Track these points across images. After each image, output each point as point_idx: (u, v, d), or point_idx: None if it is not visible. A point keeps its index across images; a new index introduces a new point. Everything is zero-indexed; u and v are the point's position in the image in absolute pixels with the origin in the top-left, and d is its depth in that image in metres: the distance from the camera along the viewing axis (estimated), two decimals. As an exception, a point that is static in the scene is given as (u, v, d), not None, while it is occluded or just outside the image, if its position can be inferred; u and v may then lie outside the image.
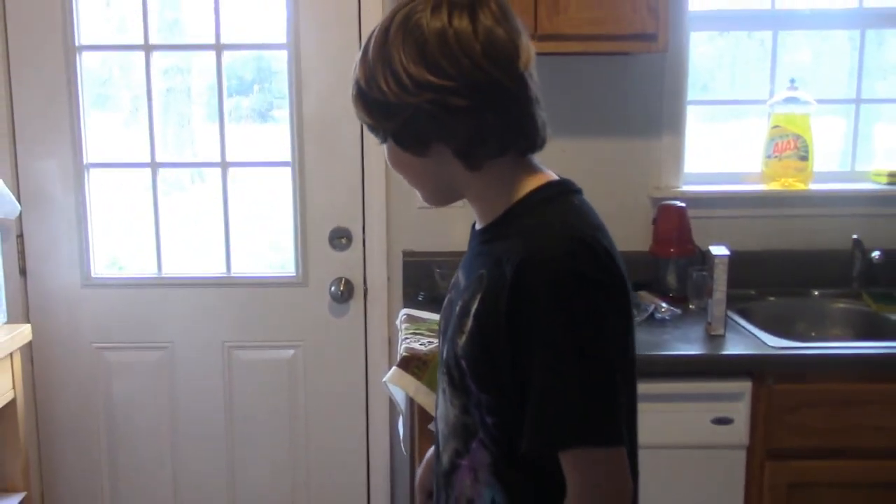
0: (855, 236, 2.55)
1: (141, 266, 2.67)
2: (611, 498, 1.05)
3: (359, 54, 1.13)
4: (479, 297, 1.11)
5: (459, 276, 1.23)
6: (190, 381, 2.67)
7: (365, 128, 1.19)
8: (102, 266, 2.66)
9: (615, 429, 1.04)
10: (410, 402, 2.15)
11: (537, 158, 1.19)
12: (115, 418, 2.68)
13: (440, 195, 1.21)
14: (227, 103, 2.59)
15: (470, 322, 1.11)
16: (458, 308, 1.16)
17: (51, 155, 2.56)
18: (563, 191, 1.17)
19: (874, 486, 2.12)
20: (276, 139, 2.63)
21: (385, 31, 1.09)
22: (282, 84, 2.60)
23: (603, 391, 1.03)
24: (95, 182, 2.62)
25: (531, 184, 1.15)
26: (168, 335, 2.65)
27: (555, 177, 1.18)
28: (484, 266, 1.13)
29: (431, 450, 1.36)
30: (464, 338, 1.12)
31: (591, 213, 1.15)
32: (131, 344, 2.65)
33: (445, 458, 1.22)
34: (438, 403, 1.25)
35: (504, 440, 1.11)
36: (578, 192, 1.18)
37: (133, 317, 2.65)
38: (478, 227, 1.22)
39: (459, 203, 1.23)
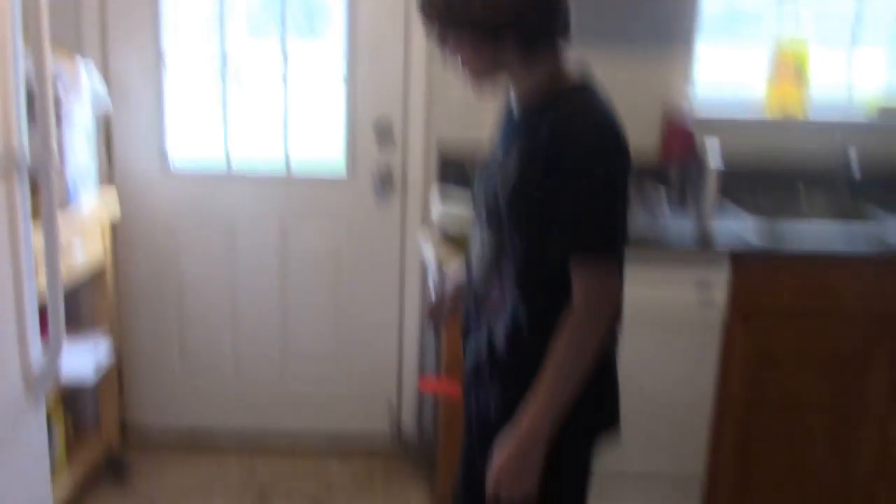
0: (847, 152, 2.83)
1: (212, 160, 3.04)
2: (609, 295, 1.44)
3: None
4: (519, 155, 1.47)
5: (496, 146, 1.60)
6: (250, 261, 3.08)
7: (439, 19, 1.48)
8: (179, 160, 3.03)
9: (617, 246, 1.44)
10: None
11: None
12: (184, 292, 3.11)
13: (489, 80, 1.52)
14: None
15: (514, 175, 1.46)
16: (498, 166, 1.52)
17: (135, 51, 2.91)
18: (587, 84, 1.50)
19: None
20: (323, 51, 2.96)
21: None
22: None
23: (610, 218, 1.42)
24: (174, 77, 2.97)
25: (564, 75, 1.50)
26: (233, 222, 3.05)
27: (579, 74, 1.52)
28: (524, 135, 1.48)
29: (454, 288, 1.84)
30: (509, 186, 1.47)
31: (608, 104, 1.48)
32: (201, 228, 3.06)
33: (481, 289, 1.59)
34: (475, 253, 1.62)
35: (528, 258, 1.48)
36: (597, 87, 1.51)
37: (203, 206, 3.04)
38: (515, 108, 1.56)
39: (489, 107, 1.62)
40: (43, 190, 1.69)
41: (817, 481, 2.55)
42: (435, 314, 1.91)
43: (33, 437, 1.78)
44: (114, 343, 2.85)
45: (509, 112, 1.61)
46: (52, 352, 1.72)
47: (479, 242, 1.60)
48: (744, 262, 2.41)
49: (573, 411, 1.45)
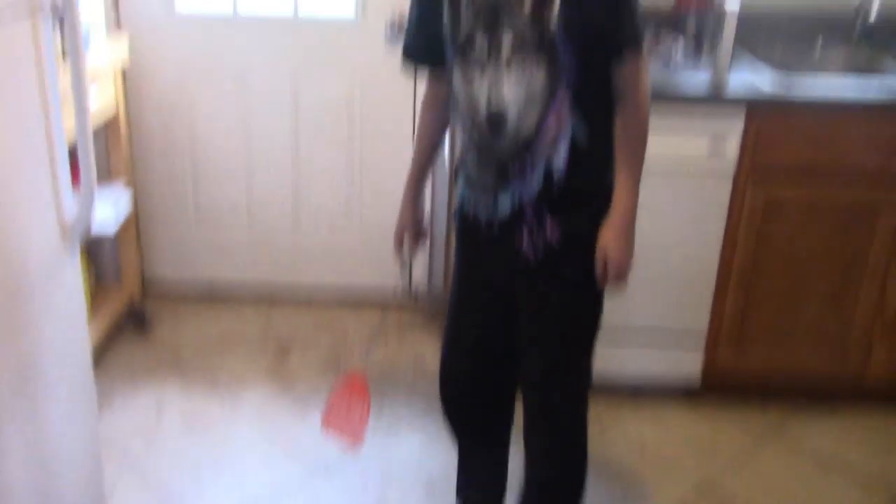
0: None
1: (219, 4, 2.98)
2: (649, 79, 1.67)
3: None
4: None
5: None
6: (262, 107, 3.07)
7: None
8: (186, 4, 2.98)
9: None
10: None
11: None
12: (196, 141, 3.11)
13: None
14: None
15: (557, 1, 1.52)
16: (526, 1, 1.54)
17: None
18: None
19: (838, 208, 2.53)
20: None
21: None
22: None
23: (640, 20, 1.60)
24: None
25: None
26: (243, 67, 3.02)
27: None
28: None
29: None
30: (554, 7, 1.53)
31: None
32: (211, 74, 3.03)
33: (530, 127, 1.62)
34: (505, 94, 1.60)
35: (584, 74, 1.58)
36: None
37: (212, 50, 3.00)
38: None
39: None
40: (68, 28, 1.68)
41: (816, 334, 2.64)
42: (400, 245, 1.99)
43: (70, 284, 1.84)
44: (131, 194, 2.88)
45: None
46: (85, 198, 1.74)
47: (516, 77, 1.58)
48: (757, 114, 2.42)
49: None
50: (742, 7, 2.53)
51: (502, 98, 1.61)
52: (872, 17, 2.79)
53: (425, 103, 1.88)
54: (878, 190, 2.49)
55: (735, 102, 2.42)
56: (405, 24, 1.80)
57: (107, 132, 2.82)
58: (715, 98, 2.43)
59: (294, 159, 3.13)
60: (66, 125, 1.75)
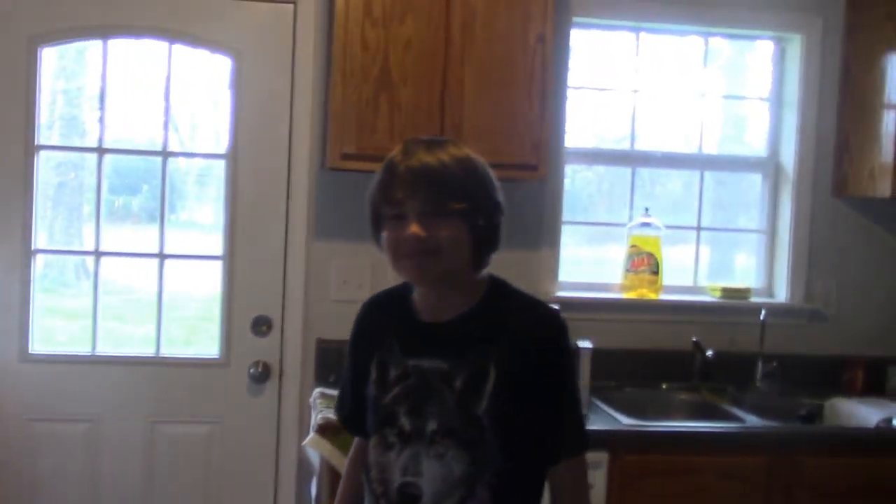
0: (694, 339, 3.07)
1: (75, 345, 2.93)
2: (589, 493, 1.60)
3: (460, 170, 1.49)
4: (493, 362, 1.45)
5: (423, 363, 1.50)
6: (114, 454, 2.91)
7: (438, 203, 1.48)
8: (39, 343, 2.91)
9: None
10: (324, 464, 2.49)
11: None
12: (41, 490, 2.88)
13: (443, 275, 1.50)
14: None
15: (490, 385, 1.45)
16: (456, 382, 1.46)
17: (1, 240, 2.84)
18: (502, 279, 1.61)
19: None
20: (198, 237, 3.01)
21: (474, 165, 1.53)
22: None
23: (583, 415, 1.61)
24: (41, 264, 2.91)
25: (482, 279, 1.58)
26: (97, 409, 2.90)
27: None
28: (484, 340, 1.48)
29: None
30: (484, 400, 1.45)
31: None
32: (61, 417, 2.89)
33: None
34: (424, 470, 1.46)
35: (509, 474, 1.47)
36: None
37: (66, 391, 2.89)
38: (440, 317, 1.53)
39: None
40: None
41: None
42: None
43: None
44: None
45: (410, 318, 1.56)
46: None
47: (435, 462, 1.46)
48: (619, 457, 2.52)
49: None
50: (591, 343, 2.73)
51: (420, 473, 1.47)
52: (709, 354, 3.04)
53: (352, 461, 1.76)
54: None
55: (596, 436, 2.48)
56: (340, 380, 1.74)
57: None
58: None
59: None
60: None
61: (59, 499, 2.90)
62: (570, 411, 1.53)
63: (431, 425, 1.47)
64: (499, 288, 1.59)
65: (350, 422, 1.71)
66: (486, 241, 1.53)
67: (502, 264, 2.96)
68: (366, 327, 1.66)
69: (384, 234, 1.51)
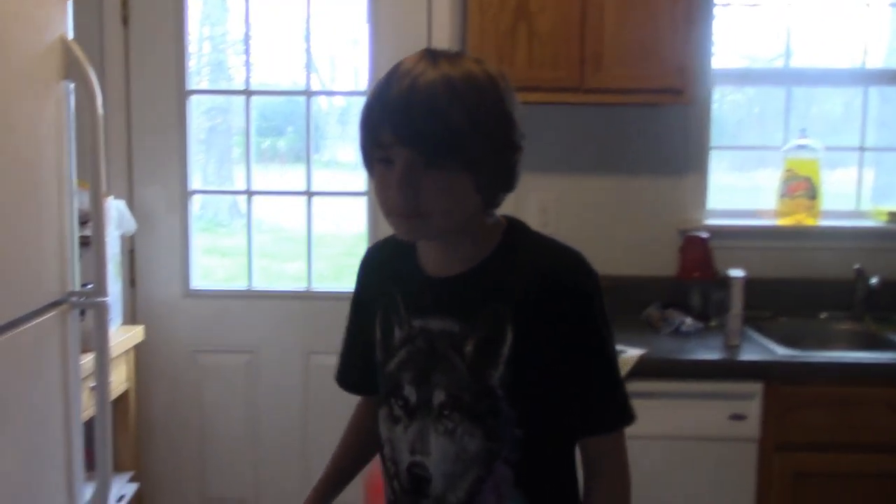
0: (857, 266, 2.89)
1: (232, 281, 3.08)
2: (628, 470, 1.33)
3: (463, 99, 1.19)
4: (510, 323, 1.24)
5: (430, 324, 1.30)
6: (271, 383, 3.05)
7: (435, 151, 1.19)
8: (199, 279, 3.08)
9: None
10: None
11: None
12: (205, 415, 3.06)
13: (440, 234, 1.27)
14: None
15: (506, 350, 1.24)
16: (467, 346, 1.26)
17: (160, 182, 2.99)
18: (520, 221, 1.35)
19: (867, 476, 2.45)
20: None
21: (495, 86, 1.23)
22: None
23: (622, 381, 1.30)
24: (197, 205, 3.05)
25: (497, 223, 1.33)
26: (255, 342, 3.05)
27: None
28: (495, 299, 1.25)
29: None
30: (500, 366, 1.24)
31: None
32: (222, 348, 3.05)
33: (461, 493, 1.28)
34: (433, 449, 1.29)
35: (531, 447, 1.27)
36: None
37: (225, 324, 3.05)
38: (448, 271, 1.30)
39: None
40: (96, 323, 1.71)
41: None
42: None
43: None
44: (134, 478, 2.79)
45: (414, 271, 1.34)
46: (101, 488, 1.69)
47: (446, 438, 1.28)
48: (774, 380, 2.42)
49: None
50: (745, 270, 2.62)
51: (428, 452, 1.30)
52: (873, 281, 2.87)
53: (351, 427, 1.58)
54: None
55: (750, 366, 2.44)
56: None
57: (115, 413, 2.78)
58: (730, 363, 2.45)
59: (304, 445, 3.07)
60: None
61: (223, 425, 3.07)
62: (601, 377, 1.28)
63: (439, 396, 1.28)
64: (517, 234, 1.33)
65: (347, 377, 1.52)
66: (497, 184, 1.27)
67: (645, 192, 2.99)
68: (369, 279, 1.46)
69: (374, 176, 1.27)
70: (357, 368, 1.46)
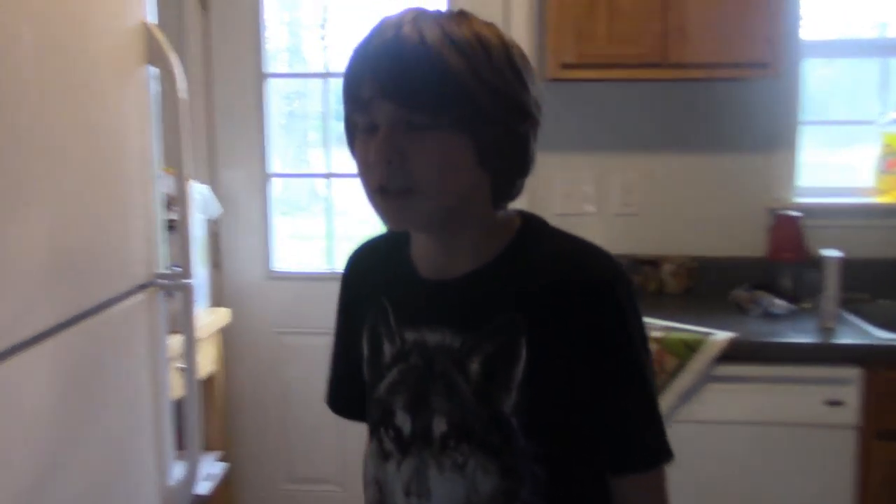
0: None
1: (313, 262, 3.10)
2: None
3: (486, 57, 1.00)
4: (525, 338, 1.02)
5: (426, 337, 1.08)
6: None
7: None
8: (280, 262, 3.10)
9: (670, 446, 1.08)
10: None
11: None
12: (290, 394, 3.09)
13: (433, 219, 1.05)
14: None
15: (520, 371, 1.02)
16: (471, 365, 1.04)
17: (241, 166, 3.02)
18: (539, 217, 1.13)
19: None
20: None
21: (503, 42, 1.03)
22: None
23: (659, 410, 1.08)
24: (275, 189, 3.08)
25: (510, 218, 1.11)
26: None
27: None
28: (505, 308, 1.04)
29: None
30: (514, 391, 1.03)
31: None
32: (305, 330, 3.07)
33: None
34: (434, 489, 1.07)
35: (555, 488, 1.05)
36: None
37: (307, 305, 3.06)
38: (446, 274, 1.09)
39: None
40: (183, 305, 1.73)
41: None
42: None
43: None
44: (223, 458, 2.83)
45: (406, 274, 1.13)
46: (190, 466, 1.72)
47: (455, 473, 1.05)
48: (873, 364, 2.31)
49: None
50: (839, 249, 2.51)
51: (427, 493, 1.07)
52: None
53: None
54: None
55: (848, 350, 2.33)
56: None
57: (203, 393, 2.83)
58: (826, 347, 2.35)
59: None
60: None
61: (308, 405, 3.06)
62: (637, 407, 1.05)
63: (440, 425, 1.05)
64: (532, 231, 1.10)
65: (335, 401, 1.33)
66: (503, 162, 1.04)
67: (732, 170, 2.89)
68: (356, 284, 1.24)
69: (356, 152, 1.06)
70: (346, 389, 1.26)
